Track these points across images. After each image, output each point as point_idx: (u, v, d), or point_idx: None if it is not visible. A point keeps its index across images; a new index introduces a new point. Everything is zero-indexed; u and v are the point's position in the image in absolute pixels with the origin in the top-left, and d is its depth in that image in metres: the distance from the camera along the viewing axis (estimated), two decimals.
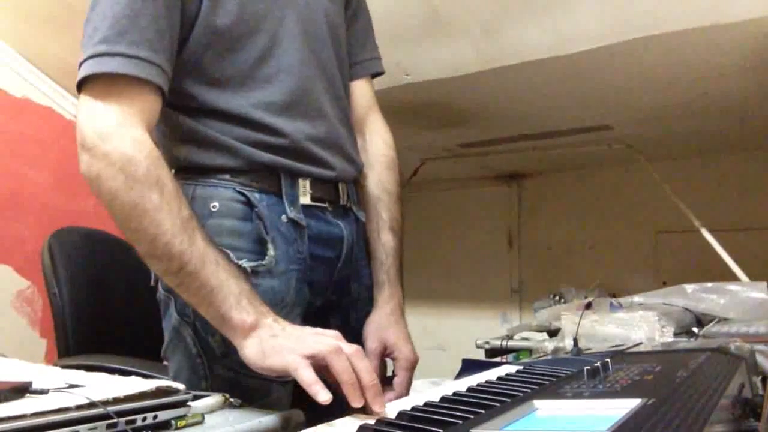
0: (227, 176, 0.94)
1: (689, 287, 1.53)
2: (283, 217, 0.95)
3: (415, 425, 0.57)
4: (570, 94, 1.99)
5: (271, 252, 0.93)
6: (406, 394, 0.97)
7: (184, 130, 0.95)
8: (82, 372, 0.78)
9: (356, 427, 0.58)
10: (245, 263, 0.90)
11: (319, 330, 0.78)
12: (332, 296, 1.05)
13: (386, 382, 0.99)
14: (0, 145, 2.27)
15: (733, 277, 1.87)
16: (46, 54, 2.30)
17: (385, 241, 1.08)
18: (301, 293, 0.97)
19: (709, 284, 1.52)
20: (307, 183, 0.97)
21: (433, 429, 0.54)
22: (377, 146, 1.14)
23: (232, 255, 0.89)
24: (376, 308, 1.05)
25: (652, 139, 2.44)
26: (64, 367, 0.85)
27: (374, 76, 1.19)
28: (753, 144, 2.53)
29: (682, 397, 0.60)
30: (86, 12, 0.84)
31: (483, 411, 0.59)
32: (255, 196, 0.94)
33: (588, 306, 1.54)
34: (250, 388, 0.87)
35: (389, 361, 1.03)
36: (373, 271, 1.08)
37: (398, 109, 2.10)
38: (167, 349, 0.97)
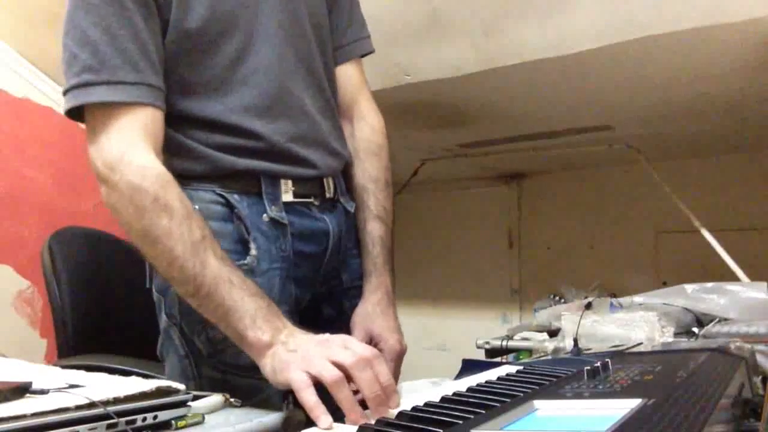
0: (205, 181, 0.94)
1: (689, 287, 1.53)
2: (264, 216, 0.95)
3: (415, 425, 0.57)
4: (570, 94, 1.99)
5: (253, 252, 0.93)
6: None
7: (165, 139, 0.93)
8: (82, 372, 0.79)
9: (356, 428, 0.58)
10: None
11: (325, 341, 0.75)
12: (322, 288, 1.05)
13: None
14: (0, 145, 2.27)
15: (733, 277, 1.87)
16: (46, 54, 2.30)
17: (371, 229, 1.07)
18: (285, 291, 0.97)
19: (709, 284, 1.52)
20: (289, 182, 0.97)
21: (433, 429, 0.54)
22: (364, 132, 1.11)
23: None
24: (363, 299, 1.05)
25: (653, 139, 2.43)
26: (64, 367, 0.85)
27: (363, 56, 1.14)
28: (753, 144, 2.53)
29: (682, 397, 0.60)
30: (61, 35, 0.84)
31: (483, 411, 0.59)
32: (234, 198, 0.94)
33: (588, 306, 1.54)
34: (238, 387, 0.87)
35: None
36: (362, 261, 1.07)
37: (398, 109, 2.09)
38: (161, 351, 0.98)
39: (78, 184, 2.49)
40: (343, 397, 0.69)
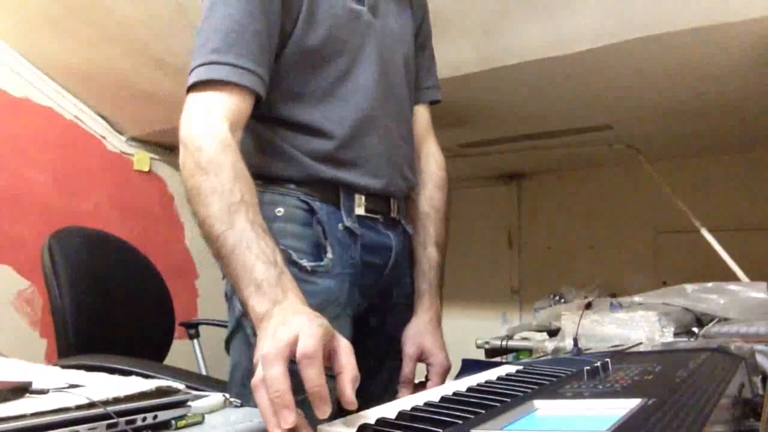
0: (292, 186, 1.02)
1: (689, 287, 1.53)
2: (340, 225, 1.03)
3: (415, 425, 0.57)
4: (570, 94, 1.99)
5: (329, 255, 1.01)
6: None
7: (262, 139, 1.03)
8: (82, 372, 0.79)
9: (356, 427, 0.58)
10: (306, 263, 0.99)
11: (296, 326, 0.70)
12: (375, 299, 1.11)
13: (417, 386, 1.06)
14: (0, 145, 2.27)
15: (733, 277, 1.87)
16: (46, 54, 2.30)
17: (429, 254, 1.16)
18: (352, 295, 1.04)
19: (709, 284, 1.52)
20: (363, 197, 1.06)
21: (433, 429, 0.54)
22: (431, 166, 1.23)
23: (294, 254, 0.98)
24: (416, 315, 1.13)
25: (652, 139, 2.44)
26: (64, 367, 0.85)
27: (432, 103, 1.29)
28: (753, 144, 2.53)
29: (682, 397, 0.60)
30: (200, 23, 0.94)
31: (483, 411, 0.59)
32: (316, 204, 1.02)
33: (588, 306, 1.54)
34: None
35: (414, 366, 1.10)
36: (415, 280, 1.16)
37: None
38: (229, 339, 1.03)
39: (78, 184, 2.49)
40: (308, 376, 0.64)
